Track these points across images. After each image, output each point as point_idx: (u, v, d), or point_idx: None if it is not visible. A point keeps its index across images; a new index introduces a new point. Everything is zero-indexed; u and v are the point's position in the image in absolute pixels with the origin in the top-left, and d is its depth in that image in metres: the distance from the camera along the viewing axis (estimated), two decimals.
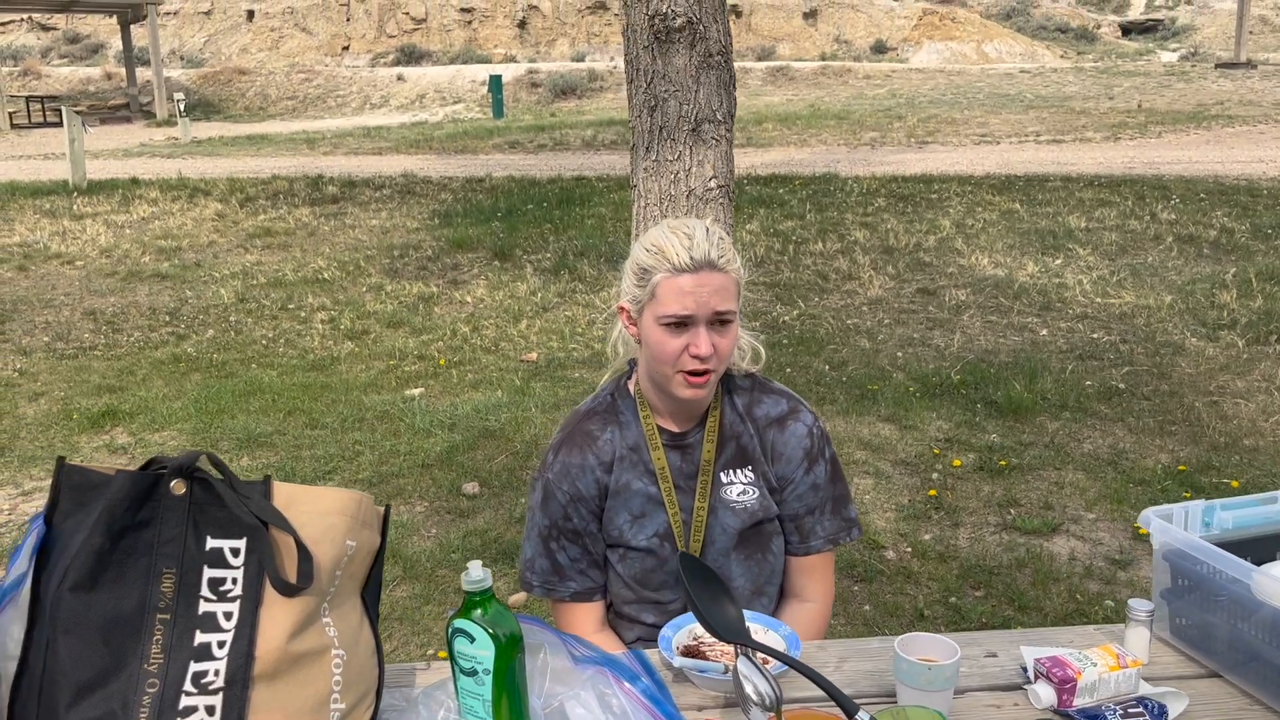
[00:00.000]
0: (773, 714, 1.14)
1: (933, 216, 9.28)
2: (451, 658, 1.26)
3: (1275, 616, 1.44)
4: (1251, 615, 1.49)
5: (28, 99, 26.68)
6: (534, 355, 6.07)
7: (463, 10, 32.18)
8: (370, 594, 1.36)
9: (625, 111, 22.64)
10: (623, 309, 1.73)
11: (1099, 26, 37.51)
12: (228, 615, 1.16)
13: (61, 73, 30.93)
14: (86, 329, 6.95)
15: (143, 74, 27.73)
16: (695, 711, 1.42)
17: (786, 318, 6.57)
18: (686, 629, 1.57)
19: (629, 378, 1.82)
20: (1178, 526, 1.60)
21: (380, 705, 1.31)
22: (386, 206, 11.00)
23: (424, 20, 32.14)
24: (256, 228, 10.07)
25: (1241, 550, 1.56)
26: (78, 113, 12.93)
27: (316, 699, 1.20)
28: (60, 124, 21.45)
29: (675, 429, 1.77)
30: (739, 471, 1.76)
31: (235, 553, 1.18)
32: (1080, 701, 1.41)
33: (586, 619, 1.76)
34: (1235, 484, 4.04)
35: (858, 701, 1.27)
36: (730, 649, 1.55)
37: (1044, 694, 1.42)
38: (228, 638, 1.15)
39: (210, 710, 1.13)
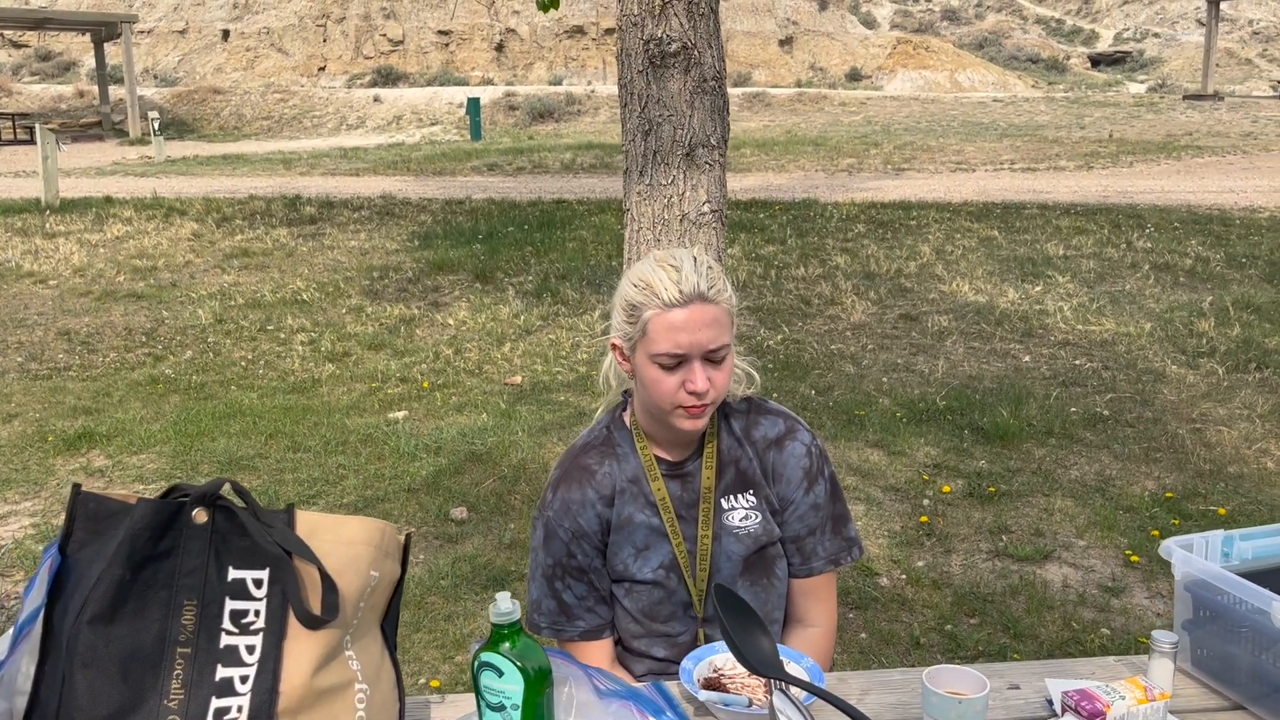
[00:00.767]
0: None
1: (912, 243, 9.35)
2: (477, 692, 1.23)
3: None
4: (1273, 645, 1.48)
5: None
6: (518, 379, 6.03)
7: (440, 33, 32.23)
8: (389, 625, 1.32)
9: (603, 136, 22.59)
10: (615, 345, 1.69)
11: (1069, 58, 38.11)
12: (250, 649, 1.12)
13: (33, 90, 30.66)
14: (61, 349, 6.84)
15: (115, 92, 27.53)
16: None
17: (770, 342, 6.58)
18: (706, 660, 1.54)
19: (624, 409, 1.79)
20: (1198, 557, 1.60)
21: None
22: (365, 228, 10.95)
23: (401, 42, 32.15)
24: (234, 248, 9.98)
25: (1262, 581, 1.55)
26: (50, 130, 12.79)
27: None
28: (31, 141, 21.21)
29: (673, 458, 1.74)
30: (740, 497, 1.74)
31: (258, 584, 1.15)
32: None
33: (596, 657, 1.73)
34: (1222, 511, 4.06)
35: None
36: (752, 681, 1.52)
37: None
38: (250, 672, 1.11)
39: None
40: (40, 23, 26.97)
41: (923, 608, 3.39)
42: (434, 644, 3.22)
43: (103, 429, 5.22)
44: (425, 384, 5.95)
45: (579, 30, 32.13)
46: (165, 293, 8.33)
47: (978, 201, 11.45)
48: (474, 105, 22.97)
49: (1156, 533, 3.87)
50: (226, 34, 33.31)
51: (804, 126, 23.19)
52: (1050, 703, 1.50)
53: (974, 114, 24.15)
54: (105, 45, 26.99)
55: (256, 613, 1.14)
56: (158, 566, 1.12)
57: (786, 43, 33.03)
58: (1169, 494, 4.24)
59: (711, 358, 1.59)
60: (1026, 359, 6.18)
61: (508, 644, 1.20)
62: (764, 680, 1.52)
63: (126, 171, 17.91)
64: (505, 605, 1.20)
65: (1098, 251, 8.80)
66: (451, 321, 7.37)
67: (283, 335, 7.07)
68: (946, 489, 4.30)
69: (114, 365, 6.49)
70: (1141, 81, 34.93)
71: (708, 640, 1.75)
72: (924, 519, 4.02)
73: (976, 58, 34.13)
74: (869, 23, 38.78)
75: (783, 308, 7.36)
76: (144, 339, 7.04)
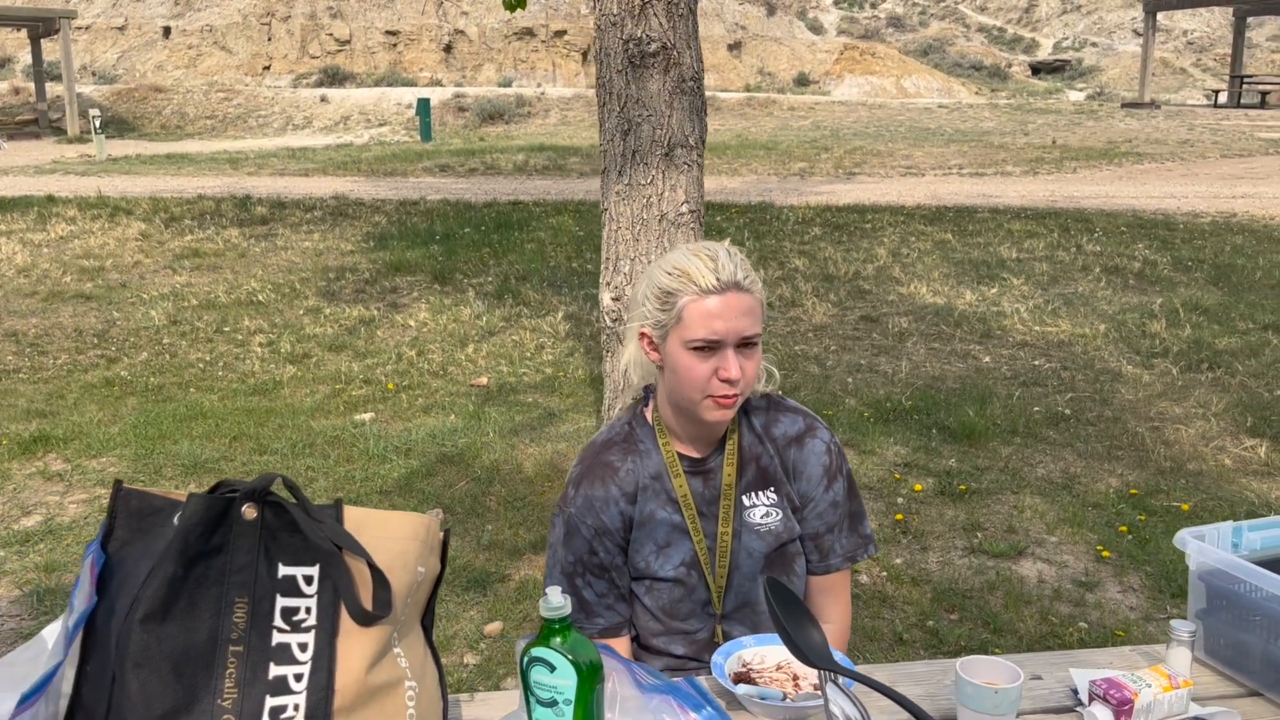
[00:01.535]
0: None
1: (868, 246, 9.45)
2: (526, 688, 1.22)
3: None
4: None
5: None
6: (484, 380, 5.99)
7: (388, 33, 31.92)
8: (429, 622, 1.31)
9: (555, 138, 22.50)
10: (643, 334, 1.70)
11: (1010, 65, 38.84)
12: (303, 646, 1.10)
13: None
14: (9, 351, 6.66)
15: (53, 89, 26.85)
16: None
17: None
18: (735, 655, 1.54)
19: (645, 405, 1.79)
20: (1211, 547, 1.63)
21: None
22: (319, 228, 10.80)
23: (348, 42, 31.78)
24: (184, 248, 9.78)
25: (1271, 570, 1.59)
26: None
27: None
28: None
29: (695, 455, 1.75)
30: (761, 494, 1.75)
31: (308, 580, 1.13)
32: None
33: None
34: (1185, 507, 4.16)
35: None
36: (780, 675, 1.53)
37: (1101, 716, 1.42)
38: (305, 670, 1.09)
39: None
40: None
41: (904, 604, 3.43)
42: None
43: (59, 432, 5.08)
44: (390, 385, 5.88)
45: (528, 32, 32.02)
46: (115, 293, 8.14)
47: (930, 205, 11.62)
48: (424, 106, 22.78)
49: (1125, 529, 3.96)
50: (168, 31, 32.66)
51: (754, 131, 23.35)
52: (1075, 692, 1.52)
53: (920, 119, 24.49)
54: (42, 41, 26.31)
55: (308, 610, 1.12)
56: (209, 564, 1.10)
57: (735, 47, 33.24)
58: (1133, 490, 4.33)
59: (744, 345, 1.60)
60: (987, 359, 6.28)
61: (559, 638, 1.19)
62: (791, 675, 1.53)
63: (67, 170, 17.47)
64: (557, 600, 1.19)
65: (1049, 254, 8.98)
66: (412, 323, 7.29)
67: (240, 337, 6.94)
68: (919, 487, 4.35)
69: (66, 367, 6.33)
70: (1080, 89, 35.70)
71: (726, 637, 1.76)
72: (899, 516, 4.06)
73: (921, 64, 34.64)
74: (816, 28, 39.18)
75: None
76: (95, 340, 6.88)
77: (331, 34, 31.60)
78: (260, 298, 7.95)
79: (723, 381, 1.60)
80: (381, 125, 25.54)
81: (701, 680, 1.51)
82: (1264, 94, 26.99)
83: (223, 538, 1.10)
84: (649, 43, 3.68)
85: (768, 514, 1.73)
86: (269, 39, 31.74)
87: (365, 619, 1.12)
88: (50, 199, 12.56)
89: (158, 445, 4.91)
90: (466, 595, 3.48)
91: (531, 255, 9.30)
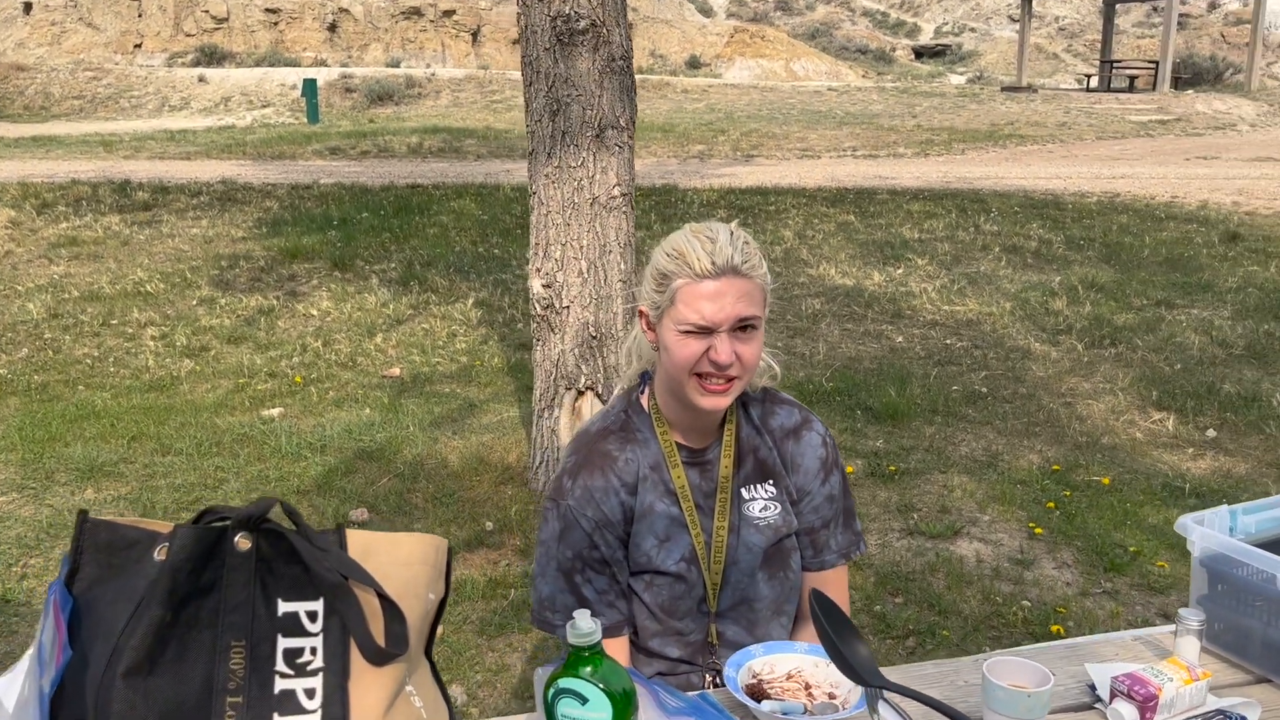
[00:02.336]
0: None
1: (774, 228, 9.48)
2: None
3: None
4: None
5: None
6: (397, 370, 5.78)
7: (268, 10, 30.76)
8: (430, 652, 1.18)
9: (448, 119, 22.00)
10: (642, 313, 1.62)
11: (894, 49, 39.68)
12: (310, 692, 0.97)
13: None
14: None
15: None
16: None
17: None
18: (745, 667, 1.46)
19: (641, 392, 1.70)
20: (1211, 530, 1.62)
21: None
22: (207, 214, 10.31)
23: (225, 19, 30.52)
24: (60, 236, 9.21)
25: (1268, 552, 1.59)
26: None
27: None
28: None
29: (693, 445, 1.66)
30: (760, 487, 1.68)
31: (312, 617, 0.99)
32: (1160, 718, 1.38)
33: (615, 655, 1.62)
34: (1105, 480, 4.26)
35: None
36: (791, 684, 1.46)
37: (1127, 713, 1.39)
38: (314, 719, 0.96)
39: None
40: None
41: (849, 589, 3.40)
42: None
43: None
44: (298, 379, 5.62)
45: (416, 12, 31.28)
46: None
47: (831, 187, 11.74)
48: (310, 87, 22.01)
49: (1052, 505, 4.03)
50: (28, 7, 30.82)
51: (650, 113, 23.27)
52: (1093, 688, 1.48)
53: (812, 102, 24.79)
54: None
55: (313, 650, 0.99)
56: (200, 604, 0.95)
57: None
58: (1055, 466, 4.41)
59: (743, 325, 1.51)
60: (900, 339, 6.34)
61: (589, 667, 1.08)
62: (803, 685, 1.46)
63: None
64: (586, 625, 1.09)
65: (950, 235, 9.15)
66: (315, 312, 7.01)
67: (130, 330, 6.56)
68: (850, 469, 4.35)
69: None
70: (961, 73, 36.68)
71: (720, 638, 1.68)
72: None
73: (810, 47, 35.09)
74: (706, 11, 39.32)
75: None
76: None
77: (208, 10, 30.31)
78: (149, 288, 7.53)
79: (712, 364, 1.51)
80: (265, 107, 24.62)
81: (714, 695, 1.42)
82: (1132, 78, 28.14)
83: (214, 574, 0.97)
84: (577, 20, 3.55)
85: (766, 507, 1.66)
86: (139, 15, 30.26)
87: (380, 657, 1.00)
88: None
89: (47, 448, 4.58)
90: None
91: (435, 240, 9.05)
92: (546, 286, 3.77)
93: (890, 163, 15.10)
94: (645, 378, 1.70)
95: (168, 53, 29.68)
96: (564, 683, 1.08)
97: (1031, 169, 14.20)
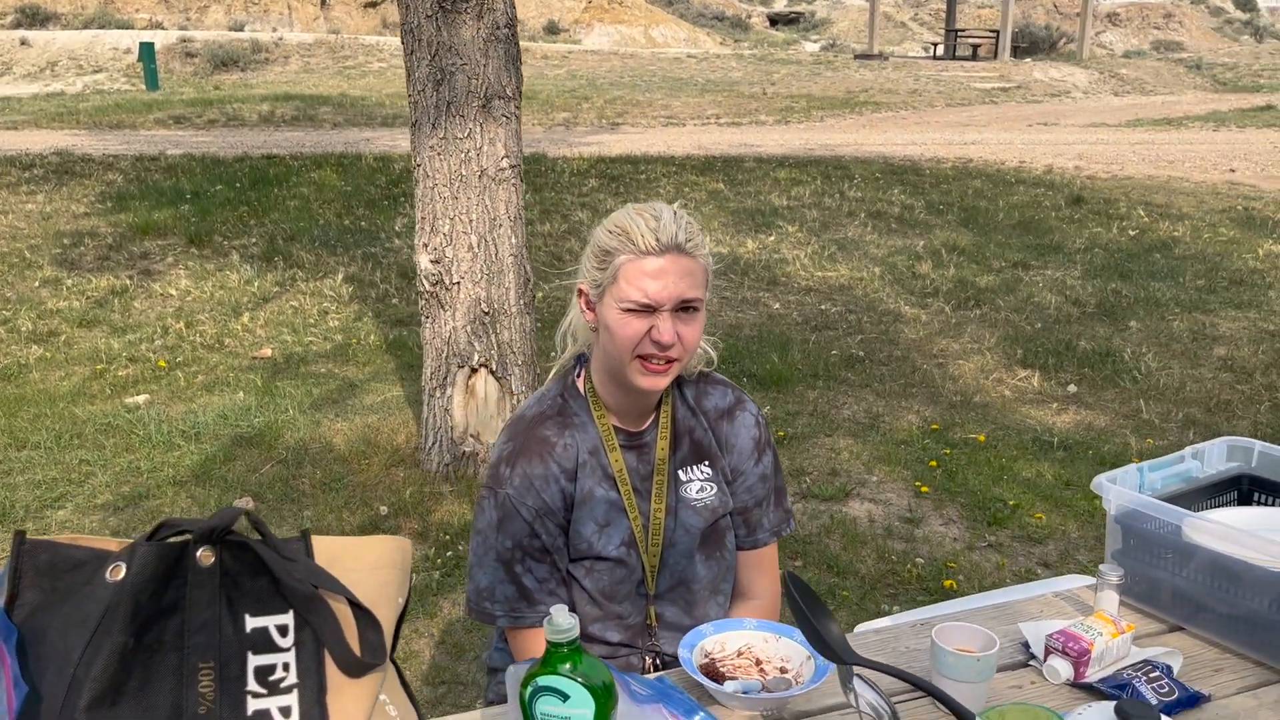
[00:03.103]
0: None
1: (646, 197, 9.49)
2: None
3: (1208, 559, 1.55)
4: (1188, 564, 1.60)
5: None
6: (268, 351, 5.55)
7: None
8: (393, 654, 1.14)
9: (299, 86, 21.14)
10: (581, 291, 1.59)
11: (750, 16, 40.13)
12: (285, 711, 0.92)
13: None
14: None
15: None
16: None
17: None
18: (697, 647, 1.46)
19: (577, 375, 1.67)
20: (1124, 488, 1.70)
21: None
22: (43, 188, 9.64)
23: None
24: None
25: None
26: None
27: None
28: None
29: (630, 428, 1.65)
30: (696, 468, 1.68)
31: (283, 631, 0.94)
32: (1092, 671, 1.45)
33: None
34: (981, 438, 4.44)
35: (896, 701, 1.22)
36: (742, 661, 1.47)
37: (1062, 669, 1.45)
38: None
39: None
40: None
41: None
42: None
43: None
44: (162, 363, 5.34)
45: None
46: None
47: (699, 156, 11.81)
48: (148, 51, 20.79)
49: (934, 463, 4.18)
50: None
51: None
52: (1026, 646, 1.54)
53: (673, 70, 24.86)
54: None
55: (286, 666, 0.93)
56: (163, 625, 0.89)
57: None
58: (934, 426, 4.58)
59: (683, 310, 1.50)
60: (777, 306, 6.45)
61: (569, 664, 1.06)
62: (754, 660, 1.47)
63: None
64: (565, 621, 1.06)
65: (817, 201, 9.34)
66: (173, 291, 6.66)
67: None
68: None
69: None
70: (815, 41, 37.40)
71: (659, 620, 1.68)
72: None
73: (668, 14, 35.14)
74: None
75: (536, 265, 7.22)
76: None
77: None
78: None
79: (655, 344, 1.50)
80: (97, 72, 23.15)
81: (670, 677, 1.42)
82: (975, 47, 29.24)
83: (176, 592, 0.90)
84: None
85: (703, 488, 1.66)
86: None
87: (358, 669, 0.95)
88: None
89: None
90: None
91: (297, 213, 8.70)
92: (435, 262, 3.67)
93: (754, 130, 15.30)
94: (581, 360, 1.67)
95: None
96: (543, 680, 1.06)
97: (888, 135, 14.62)
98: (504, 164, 3.64)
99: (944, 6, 32.24)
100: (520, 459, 1.57)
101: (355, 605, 0.96)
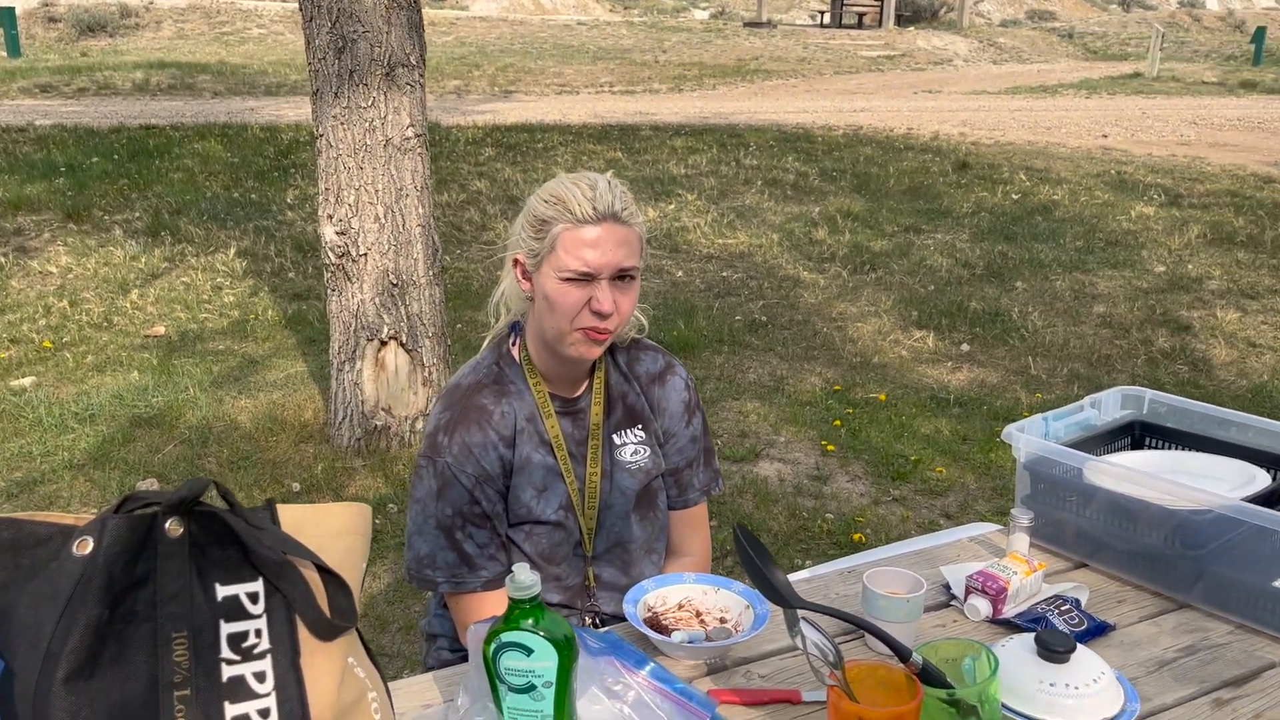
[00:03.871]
0: (837, 670, 1.14)
1: (544, 165, 9.44)
2: (495, 677, 1.11)
3: (1107, 500, 1.67)
4: (1090, 504, 1.72)
5: None
6: (161, 329, 5.38)
7: None
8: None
9: (174, 53, 20.31)
10: (517, 261, 1.60)
11: None
12: (259, 676, 0.93)
13: None
14: None
15: None
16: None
17: None
18: (640, 601, 1.50)
19: (512, 343, 1.69)
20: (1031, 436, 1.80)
21: None
22: None
23: None
24: None
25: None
26: None
27: None
28: None
29: (565, 395, 1.68)
30: (630, 431, 1.72)
31: (253, 598, 0.95)
32: (1009, 608, 1.55)
33: (497, 606, 1.62)
34: (882, 397, 4.60)
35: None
36: (683, 614, 1.52)
37: (981, 606, 1.54)
38: (270, 704, 0.92)
39: None
40: None
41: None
42: None
43: None
44: (47, 343, 5.13)
45: None
46: None
47: (596, 124, 11.79)
48: (8, 16, 19.65)
49: (838, 423, 4.31)
50: None
51: None
52: (947, 588, 1.63)
53: (563, 37, 24.66)
54: None
55: (258, 632, 0.94)
56: (135, 597, 0.89)
57: None
58: (837, 387, 4.72)
59: (620, 278, 1.53)
60: (680, 274, 6.53)
61: (531, 619, 1.09)
62: (694, 612, 1.52)
63: None
64: (527, 578, 1.09)
65: (714, 169, 9.44)
66: (53, 269, 6.38)
67: None
68: None
69: None
70: (704, 8, 37.48)
71: (597, 580, 1.72)
72: None
73: None
74: None
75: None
76: None
77: None
78: None
79: (594, 314, 1.53)
80: None
81: (616, 631, 1.46)
82: (860, 15, 29.75)
83: (147, 564, 0.90)
84: None
85: (637, 451, 1.70)
86: None
87: (329, 632, 0.96)
88: None
89: None
90: None
91: (182, 186, 8.40)
92: (341, 234, 3.62)
93: (647, 98, 15.32)
94: (515, 328, 1.69)
95: None
96: (506, 636, 1.09)
97: (779, 103, 14.81)
98: (409, 133, 3.59)
99: None
100: (458, 427, 1.59)
101: (324, 570, 0.98)
